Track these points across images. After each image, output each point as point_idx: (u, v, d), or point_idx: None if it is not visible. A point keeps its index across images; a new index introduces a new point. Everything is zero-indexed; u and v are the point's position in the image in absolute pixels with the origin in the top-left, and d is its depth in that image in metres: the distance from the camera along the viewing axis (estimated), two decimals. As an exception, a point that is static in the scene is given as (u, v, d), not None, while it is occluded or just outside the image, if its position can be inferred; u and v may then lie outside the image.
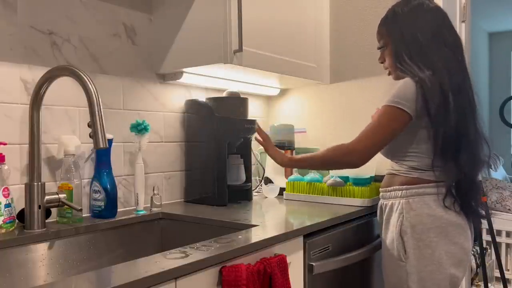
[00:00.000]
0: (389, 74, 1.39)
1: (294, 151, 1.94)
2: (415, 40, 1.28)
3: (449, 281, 1.24)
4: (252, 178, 1.82)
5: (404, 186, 1.29)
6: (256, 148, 1.94)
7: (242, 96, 1.75)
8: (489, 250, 2.80)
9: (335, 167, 1.52)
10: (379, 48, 1.40)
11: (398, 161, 1.34)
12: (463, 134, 1.24)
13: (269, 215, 1.51)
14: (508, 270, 2.97)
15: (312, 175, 1.75)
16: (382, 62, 1.41)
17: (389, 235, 1.31)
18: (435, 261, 1.23)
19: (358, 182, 1.66)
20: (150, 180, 1.61)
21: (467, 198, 1.27)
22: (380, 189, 1.40)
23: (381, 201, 1.40)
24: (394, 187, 1.32)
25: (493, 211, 2.90)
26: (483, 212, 1.35)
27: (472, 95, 1.30)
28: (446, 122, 1.21)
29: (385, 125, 1.24)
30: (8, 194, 1.17)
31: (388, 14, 1.37)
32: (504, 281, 2.36)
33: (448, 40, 1.29)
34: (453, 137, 1.23)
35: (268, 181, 1.87)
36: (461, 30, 1.96)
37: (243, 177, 1.72)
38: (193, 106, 1.72)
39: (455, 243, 1.24)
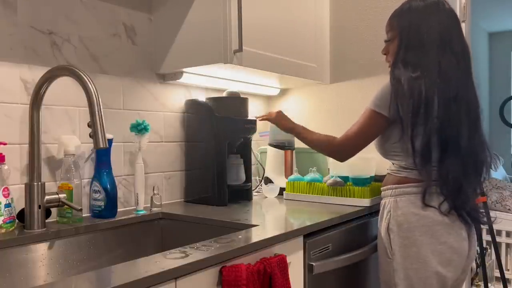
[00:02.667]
0: (389, 67, 1.37)
1: (294, 151, 1.95)
2: (420, 39, 1.27)
3: (435, 280, 1.25)
4: (252, 178, 1.82)
5: (394, 185, 1.32)
6: (256, 148, 1.94)
7: (242, 96, 1.75)
8: (489, 250, 2.79)
9: (322, 153, 1.59)
10: (386, 41, 1.39)
11: (390, 160, 1.39)
12: (451, 139, 1.24)
13: (269, 215, 1.51)
14: (508, 270, 2.97)
15: (312, 175, 1.75)
16: (385, 54, 1.40)
17: (380, 232, 1.35)
18: (421, 259, 1.25)
19: (358, 182, 1.66)
20: (150, 180, 1.61)
21: (456, 200, 1.25)
22: (380, 188, 1.43)
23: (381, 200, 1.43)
24: (387, 186, 1.36)
25: (496, 212, 2.89)
26: (482, 217, 1.34)
27: (474, 106, 1.29)
28: (426, 124, 1.22)
29: (366, 126, 1.34)
30: (8, 194, 1.17)
31: (403, 7, 1.35)
32: (504, 281, 2.35)
33: (454, 48, 1.28)
34: (433, 139, 1.23)
35: (268, 181, 1.87)
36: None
37: (243, 177, 1.72)
38: (193, 106, 1.72)
39: (443, 243, 1.24)
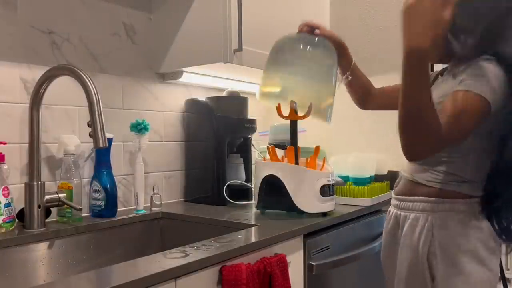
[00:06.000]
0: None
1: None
2: (470, 16, 0.99)
3: None
4: (252, 177, 1.82)
5: (435, 199, 1.06)
6: (257, 147, 1.94)
7: (242, 95, 1.74)
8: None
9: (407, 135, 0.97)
10: None
11: (431, 167, 1.09)
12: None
13: (269, 215, 1.51)
14: (508, 269, 2.97)
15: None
16: None
17: (410, 254, 1.09)
18: None
19: (358, 181, 1.66)
20: (150, 179, 1.61)
21: (502, 214, 1.04)
22: (396, 196, 1.18)
23: (394, 211, 1.17)
24: (420, 197, 1.09)
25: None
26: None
27: None
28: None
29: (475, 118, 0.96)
30: (8, 193, 1.17)
31: None
32: (504, 281, 2.35)
33: None
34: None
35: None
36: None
37: (243, 176, 1.72)
38: (193, 105, 1.72)
39: (490, 270, 1.04)
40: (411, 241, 1.09)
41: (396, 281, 1.14)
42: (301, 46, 1.33)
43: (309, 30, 1.33)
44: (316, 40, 1.32)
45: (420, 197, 1.09)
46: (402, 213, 1.13)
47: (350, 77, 1.37)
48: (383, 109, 1.41)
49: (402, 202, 1.14)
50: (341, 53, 1.36)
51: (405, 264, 1.11)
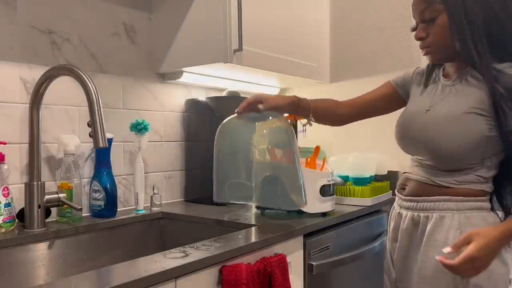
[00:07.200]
0: (426, 54, 1.12)
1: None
2: (488, 9, 1.00)
3: None
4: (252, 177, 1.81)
5: (459, 197, 1.06)
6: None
7: (242, 95, 1.74)
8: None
9: None
10: (424, 22, 1.07)
11: (459, 172, 1.07)
12: None
13: (269, 215, 1.51)
14: (508, 269, 2.96)
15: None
16: (421, 38, 1.09)
17: (437, 253, 1.03)
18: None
19: (358, 181, 1.66)
20: (150, 179, 1.61)
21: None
22: (408, 197, 1.15)
23: (409, 213, 1.14)
24: (443, 197, 1.08)
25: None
26: None
27: None
28: None
29: None
30: (8, 193, 1.17)
31: None
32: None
33: None
34: None
35: (268, 180, 1.87)
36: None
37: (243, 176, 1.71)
38: (193, 105, 1.72)
39: (506, 265, 1.05)
40: (438, 240, 1.07)
41: (416, 281, 1.11)
42: (256, 131, 1.30)
43: (252, 109, 1.25)
44: (270, 119, 1.26)
45: (443, 197, 1.08)
46: (421, 214, 1.11)
47: (313, 120, 1.31)
48: (358, 120, 1.38)
49: (419, 203, 1.11)
50: (296, 107, 1.29)
51: (430, 264, 1.08)
